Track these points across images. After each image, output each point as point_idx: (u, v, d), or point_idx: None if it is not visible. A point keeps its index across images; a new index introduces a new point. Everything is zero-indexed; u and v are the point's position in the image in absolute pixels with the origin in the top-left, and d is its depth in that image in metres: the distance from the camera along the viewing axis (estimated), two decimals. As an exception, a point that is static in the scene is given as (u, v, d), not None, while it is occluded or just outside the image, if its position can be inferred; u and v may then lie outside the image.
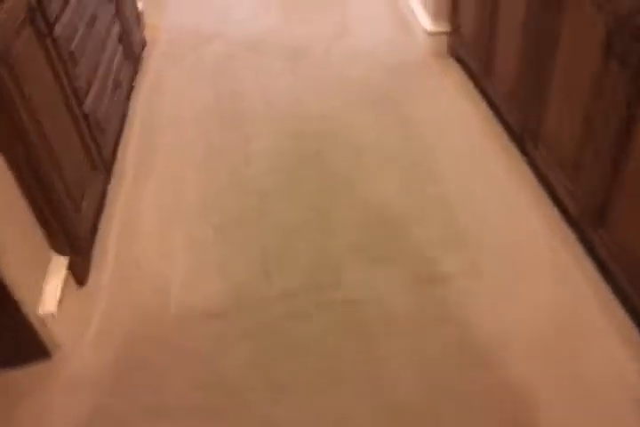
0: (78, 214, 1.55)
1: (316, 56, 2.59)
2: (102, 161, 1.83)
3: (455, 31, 2.37)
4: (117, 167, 2.02)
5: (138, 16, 2.65)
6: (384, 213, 1.76)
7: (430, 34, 2.46)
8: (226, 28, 2.88)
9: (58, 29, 1.59)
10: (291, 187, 1.89)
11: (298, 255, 1.65)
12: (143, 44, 2.72)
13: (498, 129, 2.03)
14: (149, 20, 2.95)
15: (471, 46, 2.20)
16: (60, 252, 1.52)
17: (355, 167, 1.94)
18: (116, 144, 2.09)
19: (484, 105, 2.15)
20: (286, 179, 1.92)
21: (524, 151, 1.89)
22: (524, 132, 1.83)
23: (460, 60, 2.41)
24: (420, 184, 1.85)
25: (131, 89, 2.39)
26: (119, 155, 2.07)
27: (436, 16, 2.44)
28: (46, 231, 1.48)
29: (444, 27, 2.44)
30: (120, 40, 2.26)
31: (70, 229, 1.51)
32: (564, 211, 1.67)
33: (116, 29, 2.21)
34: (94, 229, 1.75)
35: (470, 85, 2.28)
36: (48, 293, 1.45)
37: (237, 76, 2.48)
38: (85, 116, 1.72)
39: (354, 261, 1.61)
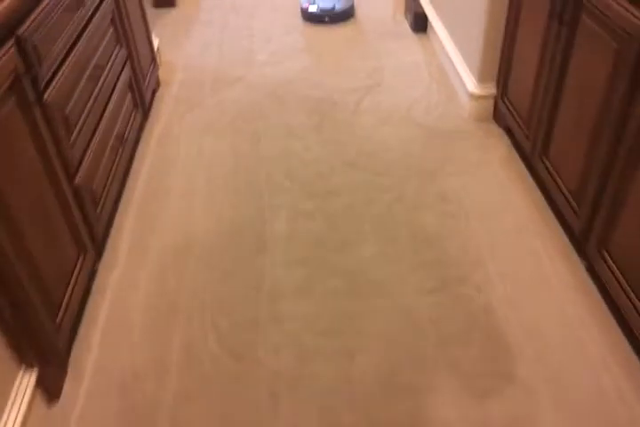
0: (54, 325, 1.28)
1: (345, 111, 2.33)
2: (93, 241, 1.57)
3: (503, 96, 2.12)
4: (111, 243, 1.75)
5: (153, 56, 2.42)
6: (411, 325, 1.49)
7: (473, 96, 2.21)
8: (248, 71, 2.64)
9: (50, 94, 1.33)
10: (310, 286, 1.61)
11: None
12: (156, 86, 2.48)
13: (552, 224, 1.76)
14: (166, 57, 2.72)
15: (523, 119, 1.93)
16: (29, 364, 1.26)
17: (385, 261, 1.66)
18: (113, 215, 1.83)
19: (536, 192, 1.88)
20: (305, 275, 1.65)
21: (584, 256, 1.62)
22: (587, 237, 1.57)
23: (506, 129, 2.15)
24: (457, 287, 1.58)
25: (137, 142, 2.13)
26: (114, 229, 1.80)
27: (480, 77, 2.18)
28: (12, 343, 1.22)
29: (490, 89, 2.19)
30: (130, 87, 2.02)
31: (44, 341, 1.25)
32: (635, 340, 1.40)
33: (126, 75, 1.97)
34: (76, 327, 1.48)
35: (519, 162, 2.01)
36: (10, 416, 1.18)
37: (258, 134, 2.21)
38: (76, 191, 1.46)
39: (381, 387, 1.34)
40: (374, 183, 1.95)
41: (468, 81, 2.26)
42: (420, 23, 2.87)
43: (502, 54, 2.08)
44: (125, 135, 1.90)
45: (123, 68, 1.95)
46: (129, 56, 2.03)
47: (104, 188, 1.68)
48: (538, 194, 1.87)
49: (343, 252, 1.70)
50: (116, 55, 1.89)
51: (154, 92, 2.42)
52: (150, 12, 3.18)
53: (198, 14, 3.19)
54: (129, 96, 2.00)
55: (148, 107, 2.30)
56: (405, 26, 2.98)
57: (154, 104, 2.39)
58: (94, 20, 1.66)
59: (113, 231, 1.79)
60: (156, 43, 2.56)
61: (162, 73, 2.57)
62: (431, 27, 2.77)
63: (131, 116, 2.00)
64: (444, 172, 1.99)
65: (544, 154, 1.78)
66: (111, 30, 1.86)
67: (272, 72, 2.63)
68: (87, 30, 1.61)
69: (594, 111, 1.45)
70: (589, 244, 1.55)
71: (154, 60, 2.42)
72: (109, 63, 1.81)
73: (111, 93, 1.81)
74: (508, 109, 2.07)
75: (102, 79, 1.73)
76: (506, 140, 2.13)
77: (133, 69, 2.07)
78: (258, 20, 3.11)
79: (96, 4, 1.70)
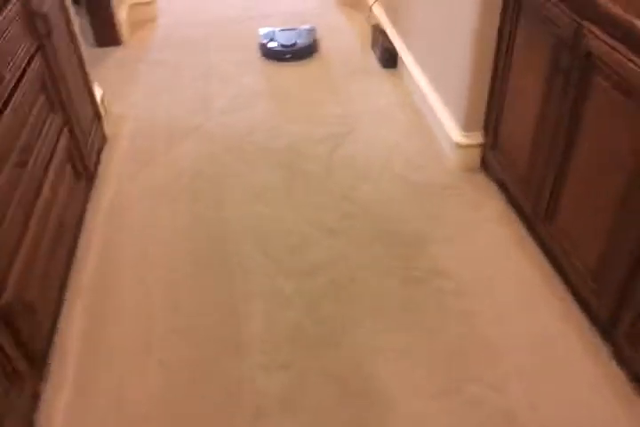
0: None
1: (317, 165, 2.09)
2: (30, 362, 1.29)
3: (493, 146, 1.92)
4: (55, 363, 1.45)
5: (96, 110, 2.14)
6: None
7: (458, 145, 2.00)
8: (205, 120, 2.38)
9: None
10: (297, 397, 1.35)
11: None
12: (103, 143, 2.19)
13: (566, 300, 1.55)
14: (112, 106, 2.44)
15: (520, 176, 1.72)
16: None
17: (382, 358, 1.42)
18: (55, 321, 1.52)
19: (541, 258, 1.67)
20: (290, 382, 1.38)
21: (610, 341, 1.41)
22: (614, 324, 1.36)
23: (498, 182, 1.94)
24: (470, 387, 1.35)
25: (81, 220, 1.85)
26: (59, 337, 1.50)
27: (466, 125, 1.98)
28: None
29: (477, 138, 1.98)
30: (69, 156, 1.74)
31: None
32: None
33: (63, 144, 1.69)
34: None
35: (516, 221, 1.80)
36: None
37: (220, 198, 1.95)
38: (3, 311, 1.19)
39: None
40: (357, 255, 1.71)
41: (452, 129, 2.05)
42: (389, 59, 2.66)
43: (491, 99, 1.87)
44: (66, 220, 1.62)
45: (59, 137, 1.67)
46: (66, 122, 1.75)
47: (41, 295, 1.40)
48: (543, 261, 1.66)
49: (332, 347, 1.45)
50: (50, 125, 1.61)
51: (99, 151, 2.14)
52: (92, 53, 2.89)
53: (147, 53, 2.92)
54: (68, 168, 1.72)
55: (94, 171, 2.02)
56: (374, 61, 2.77)
57: (100, 165, 2.10)
58: (17, 94, 1.38)
59: (57, 341, 1.49)
60: (99, 93, 2.28)
61: (109, 126, 2.29)
62: (402, 63, 2.56)
63: (72, 191, 1.73)
64: (434, 237, 1.76)
65: (549, 220, 1.57)
66: (42, 99, 1.58)
67: (232, 121, 2.37)
68: (8, 108, 1.33)
69: (620, 181, 1.25)
70: (617, 331, 1.35)
71: (97, 115, 2.14)
72: (41, 138, 1.53)
73: (45, 173, 1.53)
74: (500, 162, 1.86)
75: (32, 163, 1.45)
76: (498, 194, 1.92)
77: (72, 135, 1.80)
78: (213, 57, 2.86)
79: (18, 75, 1.43)
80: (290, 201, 1.93)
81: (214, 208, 1.91)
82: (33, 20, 1.61)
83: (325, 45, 2.92)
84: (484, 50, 1.80)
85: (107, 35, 2.95)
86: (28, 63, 1.54)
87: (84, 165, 1.87)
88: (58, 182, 1.61)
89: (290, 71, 2.72)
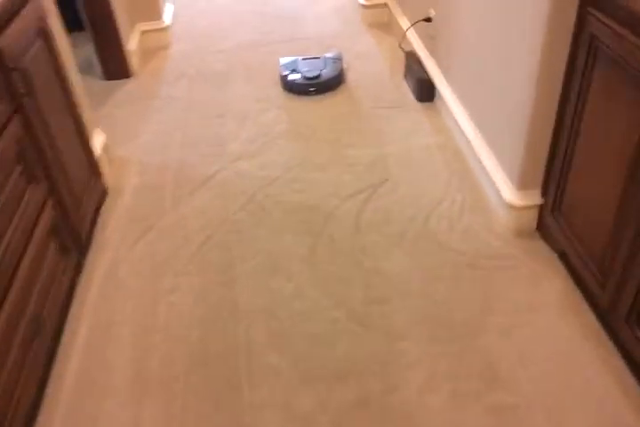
0: None
1: (344, 227, 1.80)
2: None
3: (554, 209, 1.61)
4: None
5: (92, 166, 1.88)
6: None
7: (511, 207, 1.70)
8: (219, 168, 2.11)
9: None
10: None
11: None
12: (101, 199, 1.95)
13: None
14: (117, 151, 2.20)
15: (592, 257, 1.40)
16: None
17: None
18: None
19: (617, 361, 1.35)
20: None
21: None
22: None
23: (559, 252, 1.63)
24: None
25: (67, 309, 1.59)
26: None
27: (521, 182, 1.67)
28: None
29: (534, 198, 1.68)
30: (54, 232, 1.49)
31: None
32: None
33: (46, 217, 1.45)
34: None
35: (584, 306, 1.49)
36: None
37: (232, 270, 1.67)
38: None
39: None
40: (393, 354, 1.42)
41: (502, 184, 1.74)
42: (425, 91, 2.37)
43: (554, 154, 1.56)
44: (42, 316, 1.37)
45: (41, 212, 1.42)
46: (51, 191, 1.50)
47: (10, 406, 1.15)
48: (620, 365, 1.34)
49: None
50: (28, 201, 1.36)
51: (97, 210, 1.90)
52: (99, 86, 2.67)
53: (159, 87, 2.67)
54: (53, 245, 1.48)
55: (87, 241, 1.77)
56: (407, 93, 2.47)
57: (97, 228, 1.86)
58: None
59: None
60: (101, 141, 2.04)
61: (112, 174, 2.05)
62: (440, 96, 2.27)
63: (56, 272, 1.47)
64: (486, 327, 1.46)
65: (636, 321, 1.26)
66: (19, 169, 1.34)
67: (249, 168, 2.10)
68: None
69: None
70: None
71: (95, 171, 1.89)
72: (17, 216, 1.29)
73: (21, 256, 1.29)
74: (563, 231, 1.55)
75: (3, 247, 1.20)
76: (559, 267, 1.61)
77: (59, 205, 1.55)
78: (230, 92, 2.60)
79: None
80: (311, 274, 1.65)
81: (223, 285, 1.64)
82: (9, 78, 1.36)
83: (353, 75, 2.63)
84: (547, 95, 1.49)
85: (115, 67, 2.71)
86: (2, 130, 1.30)
87: (73, 237, 1.62)
88: (37, 265, 1.36)
89: (314, 107, 2.44)
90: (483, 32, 1.81)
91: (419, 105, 2.39)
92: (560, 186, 1.55)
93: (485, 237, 1.73)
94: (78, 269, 1.68)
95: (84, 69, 2.76)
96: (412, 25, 2.55)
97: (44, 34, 1.61)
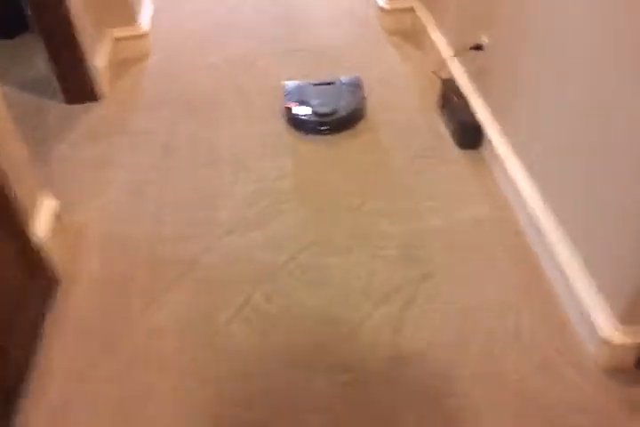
0: None
1: (376, 357, 1.30)
2: None
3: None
4: None
5: (33, 267, 1.36)
6: None
7: (608, 343, 1.22)
8: (205, 246, 1.59)
9: None
10: None
11: None
12: (48, 297, 1.44)
13: None
14: (74, 215, 1.69)
15: None
16: None
17: None
18: None
19: None
20: None
21: None
22: None
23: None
24: None
25: None
26: None
27: (627, 314, 1.19)
28: None
29: (638, 335, 1.21)
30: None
31: None
32: None
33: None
34: None
35: None
36: None
37: None
38: None
39: None
40: None
41: (597, 313, 1.25)
42: (470, 137, 1.86)
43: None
44: None
45: None
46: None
47: None
48: None
49: None
50: None
51: (43, 313, 1.39)
52: (58, 112, 2.13)
53: (131, 117, 2.12)
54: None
55: (18, 381, 1.27)
56: (444, 134, 1.95)
57: (39, 354, 1.34)
58: None
59: None
60: (48, 211, 1.52)
61: (65, 252, 1.54)
62: (491, 148, 1.76)
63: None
64: None
65: None
66: None
67: (242, 247, 1.59)
68: None
69: None
70: None
71: (33, 272, 1.37)
72: None
73: None
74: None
75: None
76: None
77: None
78: (220, 127, 2.05)
79: None
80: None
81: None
82: None
83: (374, 106, 2.09)
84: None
85: (77, 87, 2.15)
86: None
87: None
88: None
89: (327, 153, 1.92)
90: (571, 72, 1.30)
91: (460, 153, 1.88)
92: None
93: (569, 377, 1.25)
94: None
95: (42, 87, 2.22)
96: (456, 55, 2.01)
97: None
